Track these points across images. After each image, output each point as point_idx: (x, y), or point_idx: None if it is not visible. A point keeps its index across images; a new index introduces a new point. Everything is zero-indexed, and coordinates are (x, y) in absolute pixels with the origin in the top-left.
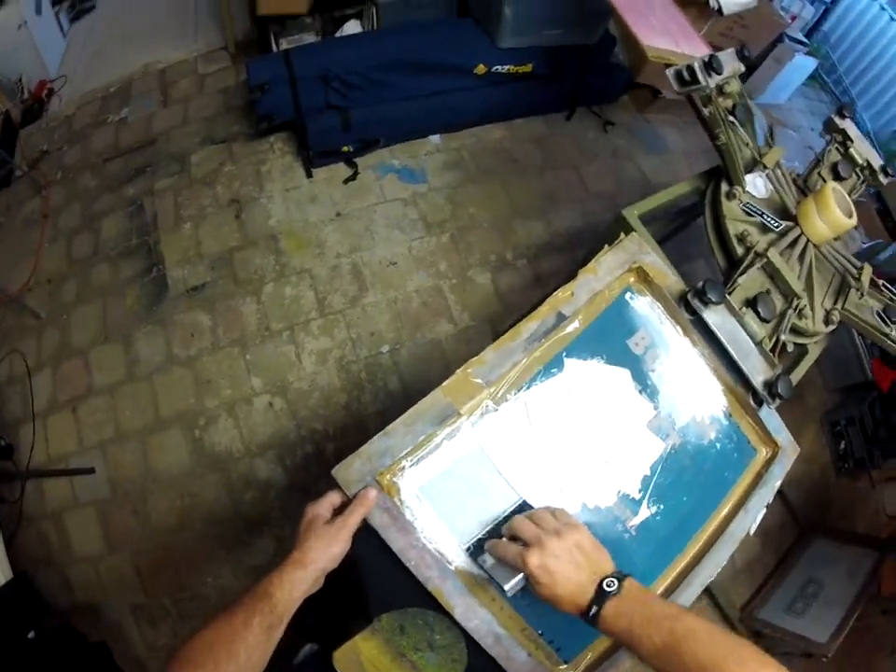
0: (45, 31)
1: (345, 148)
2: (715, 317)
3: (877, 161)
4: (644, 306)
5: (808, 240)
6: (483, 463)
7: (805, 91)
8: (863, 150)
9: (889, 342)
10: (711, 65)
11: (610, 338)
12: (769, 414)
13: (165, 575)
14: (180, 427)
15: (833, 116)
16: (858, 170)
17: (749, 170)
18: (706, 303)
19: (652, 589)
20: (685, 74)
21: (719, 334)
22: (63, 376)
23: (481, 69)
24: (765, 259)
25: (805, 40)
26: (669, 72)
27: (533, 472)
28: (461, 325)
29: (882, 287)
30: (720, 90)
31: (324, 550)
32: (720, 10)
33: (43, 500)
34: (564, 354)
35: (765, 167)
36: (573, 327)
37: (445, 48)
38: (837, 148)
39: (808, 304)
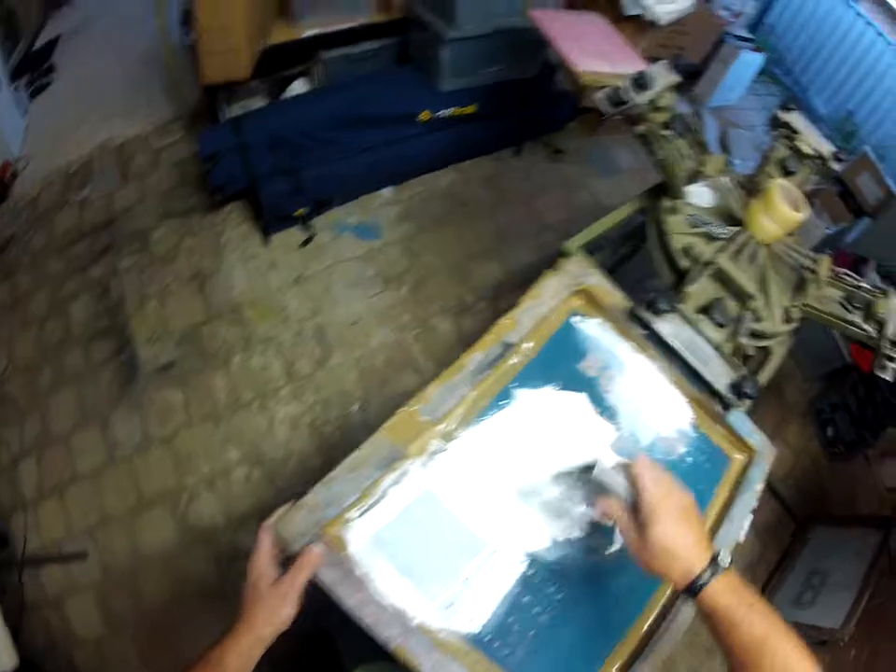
0: (5, 110)
1: (300, 212)
2: (668, 327)
3: (827, 149)
4: (593, 328)
5: (758, 242)
6: (437, 507)
7: (755, 87)
8: (812, 141)
9: (853, 329)
10: (639, 82)
11: (561, 364)
12: (739, 419)
13: (165, 651)
14: (164, 506)
15: (776, 111)
16: (808, 161)
17: (692, 181)
18: (657, 313)
19: (645, 617)
20: (615, 95)
21: (673, 343)
22: (48, 464)
23: (425, 115)
24: (714, 266)
25: (750, 36)
26: (600, 95)
27: (492, 511)
28: (427, 374)
29: (843, 276)
30: (653, 105)
31: (272, 614)
32: (656, 22)
33: (42, 588)
34: (513, 385)
35: (708, 176)
36: (520, 356)
37: (388, 99)
38: (784, 143)
39: (765, 305)
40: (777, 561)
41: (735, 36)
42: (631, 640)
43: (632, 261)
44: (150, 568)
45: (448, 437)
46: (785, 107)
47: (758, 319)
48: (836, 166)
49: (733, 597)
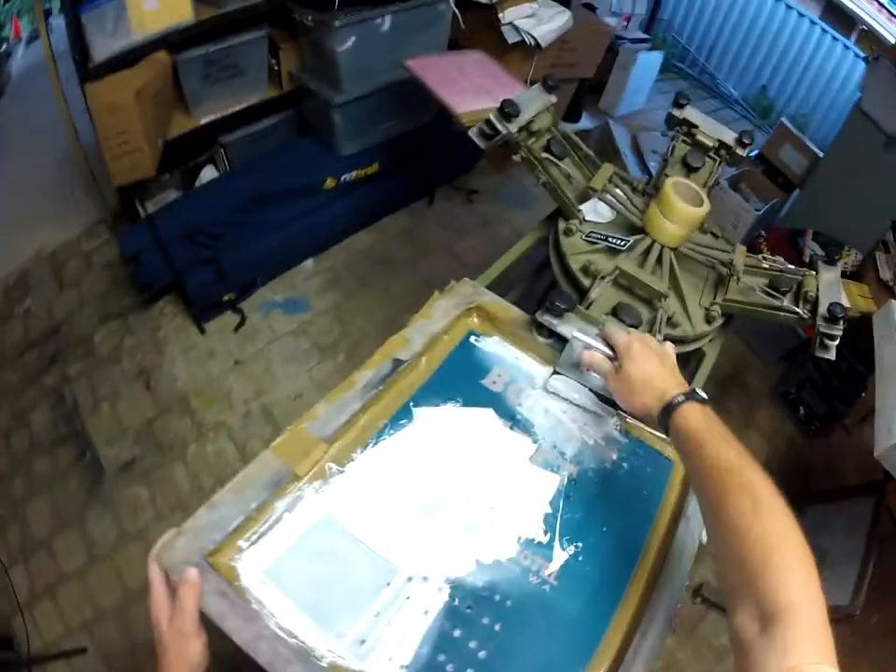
0: None
1: (227, 297)
2: (570, 328)
3: (730, 136)
4: (493, 345)
5: (663, 245)
6: (338, 533)
7: (661, 86)
8: (712, 131)
9: (784, 314)
10: (507, 112)
11: (462, 382)
12: None
13: None
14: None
15: (670, 110)
16: (712, 153)
17: (585, 199)
18: (558, 315)
19: (611, 636)
20: (486, 127)
21: (580, 338)
22: (35, 568)
23: (330, 183)
24: (616, 271)
25: (645, 36)
26: (472, 131)
27: (402, 535)
28: None
29: (763, 260)
30: (528, 130)
31: (180, 654)
32: (538, 45)
33: None
34: (411, 403)
35: (594, 190)
36: (415, 375)
37: (291, 172)
38: (684, 140)
39: (682, 309)
40: None
41: (630, 40)
42: (599, 664)
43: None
44: (149, 654)
45: (344, 459)
46: (677, 104)
47: (673, 325)
48: (743, 151)
49: (705, 422)
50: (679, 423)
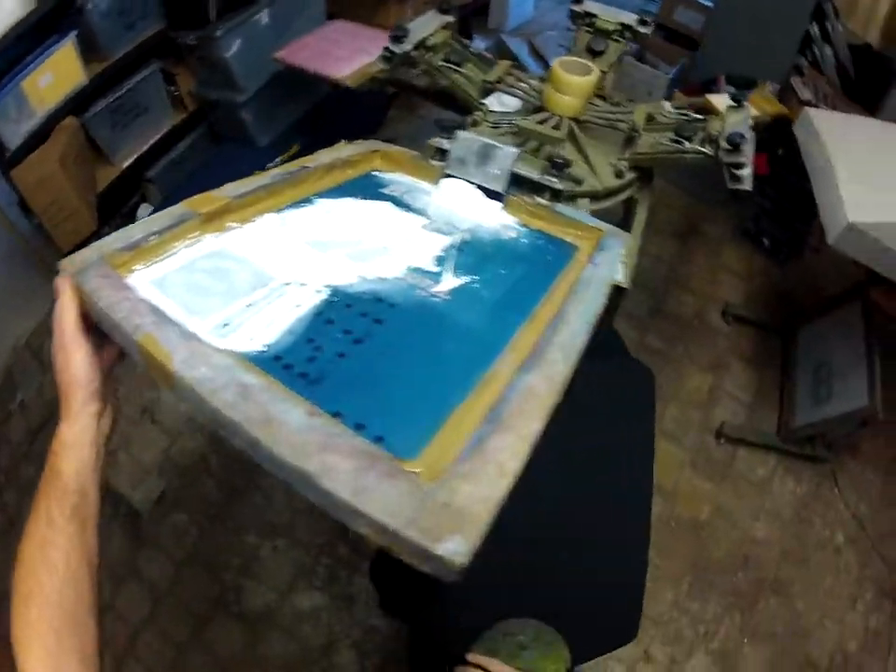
0: None
1: None
2: (460, 143)
3: (631, 18)
4: (394, 176)
5: (563, 117)
6: (229, 258)
7: None
8: (612, 17)
9: (691, 155)
10: (399, 36)
11: (362, 191)
12: (573, 211)
13: None
14: None
15: (570, 6)
16: (615, 36)
17: (488, 94)
18: (449, 134)
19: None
20: (386, 53)
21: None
22: (108, 634)
23: None
24: (514, 126)
25: None
26: (372, 68)
27: (291, 258)
28: None
29: (668, 115)
30: (425, 47)
31: (63, 376)
32: None
33: None
34: (314, 196)
35: (490, 83)
36: (318, 180)
37: (222, 179)
38: (586, 30)
39: (589, 169)
40: (780, 380)
41: None
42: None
43: None
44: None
45: (245, 220)
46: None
47: (577, 181)
48: (645, 29)
49: None
50: None
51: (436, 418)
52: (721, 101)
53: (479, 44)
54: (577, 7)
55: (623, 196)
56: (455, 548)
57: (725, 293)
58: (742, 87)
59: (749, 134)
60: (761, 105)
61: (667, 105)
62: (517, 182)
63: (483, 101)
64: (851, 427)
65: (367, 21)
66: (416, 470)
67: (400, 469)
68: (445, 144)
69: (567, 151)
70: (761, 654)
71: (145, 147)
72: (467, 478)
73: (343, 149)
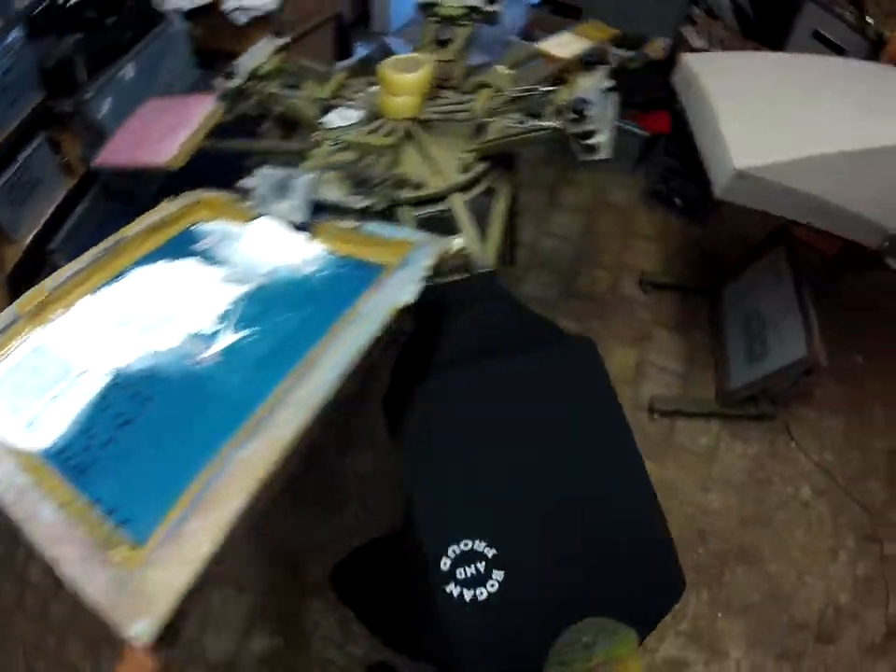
0: None
1: None
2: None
3: (479, 2)
4: (213, 225)
5: (400, 119)
6: (48, 356)
7: None
8: (455, 2)
9: (542, 133)
10: (228, 73)
11: (177, 251)
12: (378, 227)
13: None
14: None
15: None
16: (461, 22)
17: (328, 111)
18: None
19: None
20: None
21: (260, 187)
22: None
23: None
24: (344, 142)
25: None
26: (198, 135)
27: (97, 346)
28: None
29: (514, 100)
30: (258, 77)
31: None
32: (268, 13)
33: None
34: (129, 267)
35: (323, 100)
36: (134, 250)
37: None
38: (434, 21)
39: (429, 169)
40: (710, 342)
41: None
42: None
43: None
44: None
45: (69, 304)
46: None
47: (417, 186)
48: (494, 6)
49: None
50: None
51: (170, 499)
52: (558, 45)
53: (361, 50)
54: (422, 0)
55: (477, 190)
56: (143, 628)
57: (641, 261)
58: (631, 47)
59: (599, 97)
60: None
61: (504, 71)
62: (335, 207)
63: (323, 119)
64: (795, 379)
65: (231, 50)
66: (123, 557)
67: (109, 559)
68: (249, 182)
69: (408, 155)
70: (738, 626)
71: (43, 220)
72: (158, 565)
73: (166, 207)
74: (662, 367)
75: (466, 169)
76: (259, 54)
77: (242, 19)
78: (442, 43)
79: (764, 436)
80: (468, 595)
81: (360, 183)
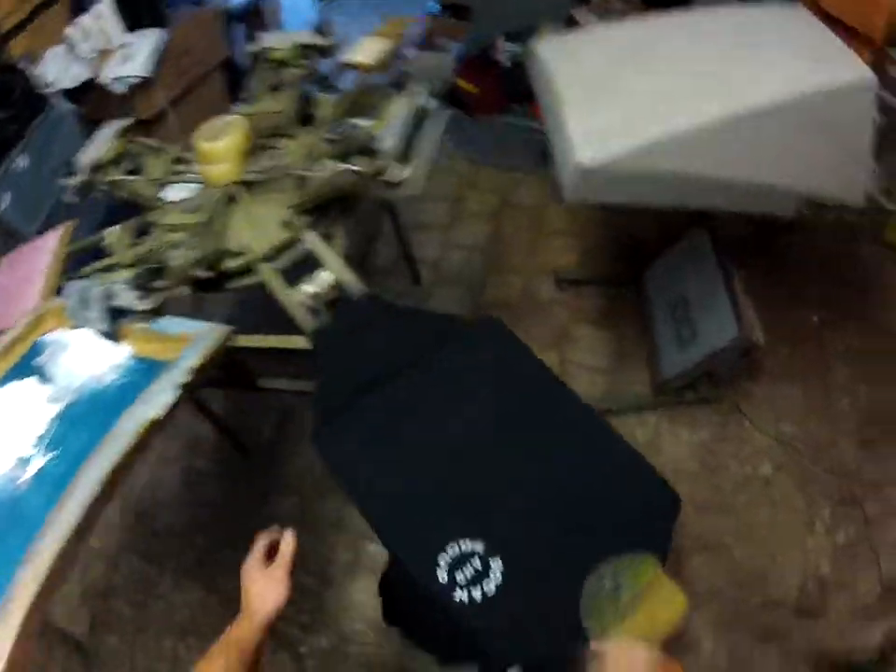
0: None
1: None
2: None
3: (307, 36)
4: (54, 337)
5: (221, 187)
6: None
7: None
8: (284, 44)
9: (359, 177)
10: (69, 172)
11: (25, 368)
12: (164, 324)
13: None
14: None
15: (248, 50)
16: (292, 63)
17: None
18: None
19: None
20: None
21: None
22: None
23: None
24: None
25: None
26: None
27: None
28: None
29: (332, 142)
30: (99, 168)
31: (263, 597)
32: (146, 78)
33: None
34: None
35: (153, 181)
36: None
37: None
38: (267, 67)
39: (251, 236)
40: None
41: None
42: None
43: None
44: None
45: None
46: (252, 40)
47: (235, 254)
48: (328, 40)
49: None
50: None
51: None
52: (361, 53)
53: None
54: (254, 48)
55: (307, 243)
56: None
57: (556, 259)
58: (522, 40)
59: (405, 126)
60: (388, 31)
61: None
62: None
63: (160, 195)
64: (733, 362)
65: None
66: None
67: None
68: (62, 296)
69: (236, 220)
70: (707, 615)
71: None
72: None
73: (20, 324)
74: (586, 365)
75: (287, 228)
76: (101, 142)
77: (121, 88)
78: (274, 88)
79: (712, 419)
80: (476, 594)
81: (137, 287)
